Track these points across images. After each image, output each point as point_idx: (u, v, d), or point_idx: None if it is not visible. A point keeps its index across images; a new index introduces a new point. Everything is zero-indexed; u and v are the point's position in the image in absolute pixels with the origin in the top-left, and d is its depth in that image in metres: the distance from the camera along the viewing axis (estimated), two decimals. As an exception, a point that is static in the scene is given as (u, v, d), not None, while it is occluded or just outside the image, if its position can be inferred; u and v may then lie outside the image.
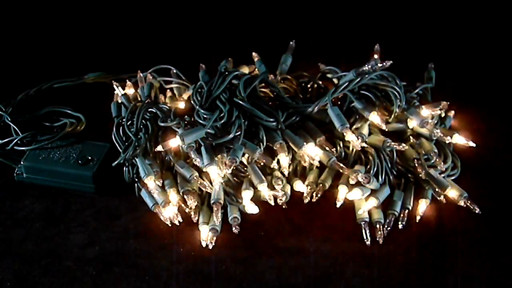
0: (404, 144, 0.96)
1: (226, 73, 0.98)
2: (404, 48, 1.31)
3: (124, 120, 1.00)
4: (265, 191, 0.92)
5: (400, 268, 0.89)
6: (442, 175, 0.97)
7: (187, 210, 0.93)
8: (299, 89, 1.09)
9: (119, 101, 1.08)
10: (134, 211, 0.97)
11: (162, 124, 0.98)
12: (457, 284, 0.87)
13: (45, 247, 0.92)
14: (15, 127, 1.06)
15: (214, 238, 0.90)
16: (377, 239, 0.91)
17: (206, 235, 0.91)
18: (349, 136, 0.95)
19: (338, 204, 0.93)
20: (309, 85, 1.10)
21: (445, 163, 0.99)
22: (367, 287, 0.87)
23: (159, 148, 0.93)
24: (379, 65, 0.98)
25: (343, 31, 1.38)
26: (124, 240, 0.92)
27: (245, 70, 1.12)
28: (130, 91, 1.09)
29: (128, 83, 1.10)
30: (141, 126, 0.99)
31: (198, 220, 0.93)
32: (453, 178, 0.99)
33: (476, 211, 0.92)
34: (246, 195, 0.93)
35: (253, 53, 1.12)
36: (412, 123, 1.00)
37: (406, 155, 0.99)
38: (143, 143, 0.97)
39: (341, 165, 0.95)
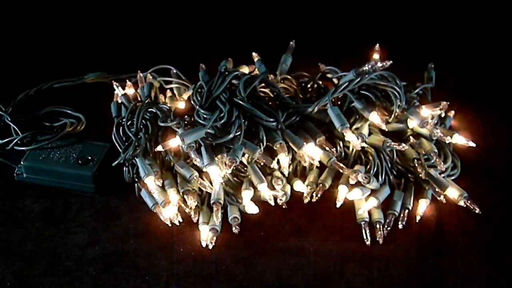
0: (404, 144, 0.96)
1: (226, 73, 0.98)
2: (404, 48, 1.31)
3: (124, 120, 1.00)
4: (265, 191, 0.92)
5: (400, 268, 0.89)
6: (442, 175, 0.97)
7: (187, 210, 0.93)
8: (299, 89, 1.09)
9: (119, 101, 1.08)
10: (134, 211, 0.97)
11: (162, 124, 0.98)
12: (457, 284, 0.87)
13: (45, 247, 0.92)
14: (15, 127, 1.06)
15: (214, 238, 0.90)
16: (377, 239, 0.91)
17: (206, 235, 0.91)
18: (349, 136, 0.95)
19: (338, 204, 0.93)
20: (309, 85, 1.10)
21: (445, 163, 0.99)
22: (367, 287, 0.87)
23: (159, 148, 0.93)
24: (379, 65, 0.98)
25: (343, 31, 1.38)
26: (124, 240, 0.93)
27: (245, 70, 1.12)
28: (130, 91, 1.09)
29: (128, 83, 1.10)
30: (141, 126, 0.99)
31: (198, 220, 0.93)
32: (453, 178, 0.99)
33: (476, 211, 0.92)
34: (246, 195, 0.93)
35: (253, 53, 1.12)
36: (412, 123, 1.00)
37: (406, 155, 0.99)
38: (143, 143, 0.97)
39: (341, 165, 0.95)
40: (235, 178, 0.96)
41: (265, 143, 0.95)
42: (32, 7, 1.44)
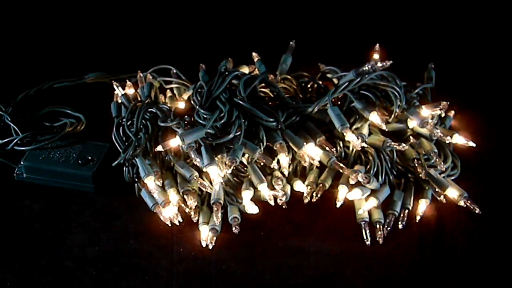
0: (404, 144, 0.96)
1: (226, 73, 0.98)
2: (404, 48, 1.31)
3: (124, 120, 1.00)
4: (265, 191, 0.92)
5: (400, 268, 0.89)
6: (442, 175, 0.97)
7: (187, 210, 0.93)
8: (299, 89, 1.09)
9: (119, 101, 1.08)
10: (134, 211, 0.96)
11: (162, 124, 0.98)
12: (457, 284, 0.87)
13: (45, 247, 0.92)
14: (15, 127, 1.06)
15: (214, 238, 0.90)
16: (377, 239, 0.91)
17: (206, 235, 0.91)
18: (349, 136, 0.95)
19: (338, 204, 0.93)
20: (309, 85, 1.10)
21: (445, 163, 0.99)
22: (367, 287, 0.87)
23: (159, 148, 0.93)
24: (379, 65, 0.98)
25: (343, 31, 1.38)
26: (124, 240, 0.93)
27: (245, 70, 1.12)
28: (130, 91, 1.09)
29: (128, 83, 1.10)
30: (141, 126, 0.99)
31: (198, 220, 0.93)
32: (453, 178, 0.99)
33: (476, 211, 0.92)
34: (246, 195, 0.93)
35: (253, 53, 1.12)
36: (412, 123, 1.00)
37: (406, 155, 0.99)
38: (143, 143, 0.97)
39: (341, 165, 0.95)
40: (235, 178, 0.96)
41: (265, 143, 0.95)
42: (32, 7, 1.44)
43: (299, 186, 0.96)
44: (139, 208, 0.96)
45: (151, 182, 0.93)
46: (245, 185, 0.94)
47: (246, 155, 0.95)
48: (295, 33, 1.21)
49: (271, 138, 0.95)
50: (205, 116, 0.94)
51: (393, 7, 1.43)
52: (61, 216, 0.97)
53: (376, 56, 1.11)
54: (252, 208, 0.92)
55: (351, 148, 0.99)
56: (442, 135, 0.98)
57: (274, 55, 1.13)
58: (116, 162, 0.96)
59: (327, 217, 0.95)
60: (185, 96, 1.08)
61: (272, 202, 0.92)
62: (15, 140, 1.04)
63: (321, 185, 0.96)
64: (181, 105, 1.05)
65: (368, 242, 0.91)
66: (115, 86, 1.09)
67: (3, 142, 1.04)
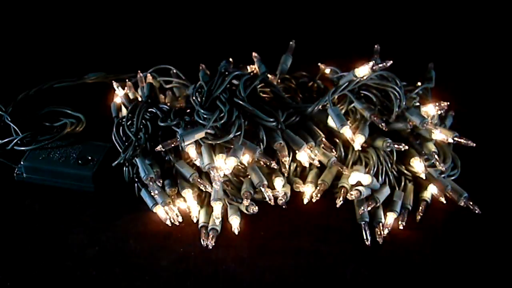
0: (404, 144, 0.96)
1: (226, 73, 0.98)
2: (404, 48, 1.31)
3: (124, 120, 1.00)
4: (265, 191, 0.92)
5: (400, 268, 0.89)
6: (442, 175, 0.97)
7: (187, 210, 0.93)
8: (299, 89, 1.09)
9: (119, 101, 1.08)
10: (134, 211, 0.96)
11: (162, 124, 0.98)
12: (458, 284, 0.87)
13: (45, 247, 0.92)
14: (15, 127, 1.06)
15: (214, 238, 0.90)
16: (377, 239, 0.91)
17: (206, 235, 0.91)
18: (349, 135, 0.95)
19: (338, 204, 0.93)
20: (309, 85, 1.10)
21: (445, 163, 0.99)
22: (367, 287, 0.87)
23: (159, 148, 0.93)
24: (379, 65, 0.98)
25: (343, 32, 1.38)
26: (124, 240, 0.92)
27: (245, 70, 1.12)
28: (130, 91, 1.09)
29: (128, 83, 1.10)
30: (141, 126, 0.99)
31: (198, 220, 0.93)
32: (453, 178, 0.99)
33: (476, 211, 0.92)
34: (247, 195, 0.93)
35: (253, 53, 1.12)
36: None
37: (406, 155, 0.99)
38: (143, 143, 0.97)
39: (341, 165, 0.95)
40: (235, 178, 0.96)
41: (265, 143, 0.95)
42: (32, 7, 1.44)
43: (299, 186, 0.96)
44: (139, 208, 0.96)
45: (151, 182, 0.93)
46: (245, 185, 0.94)
47: (246, 155, 0.95)
48: (295, 33, 1.21)
49: (271, 138, 0.95)
50: (205, 116, 0.94)
51: (393, 7, 1.43)
52: (61, 216, 0.96)
53: (376, 56, 1.11)
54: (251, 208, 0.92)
55: (351, 148, 0.99)
56: (442, 135, 0.98)
57: (274, 55, 1.13)
58: (116, 162, 0.96)
59: (327, 217, 0.95)
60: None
61: (272, 202, 0.92)
62: (15, 140, 1.03)
63: (321, 185, 0.96)
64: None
65: (368, 242, 0.91)
66: (115, 86, 1.09)
67: (3, 142, 1.04)
